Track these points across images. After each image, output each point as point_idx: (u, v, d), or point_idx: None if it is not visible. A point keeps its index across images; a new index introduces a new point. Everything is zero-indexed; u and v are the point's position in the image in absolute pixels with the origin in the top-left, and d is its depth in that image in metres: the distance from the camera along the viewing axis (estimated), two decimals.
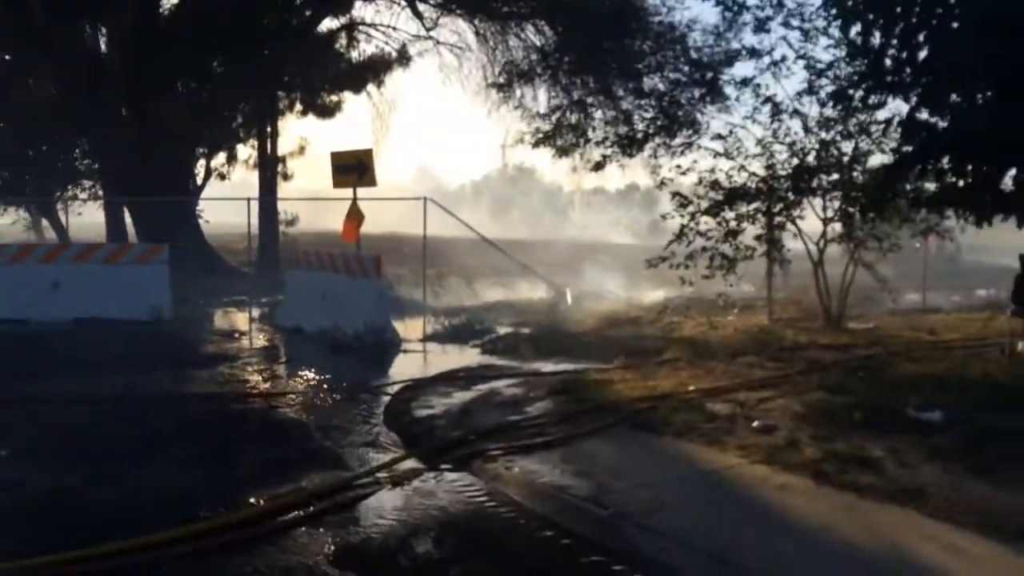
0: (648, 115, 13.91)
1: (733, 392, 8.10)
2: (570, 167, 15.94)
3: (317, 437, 7.09)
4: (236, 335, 12.72)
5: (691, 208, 12.37)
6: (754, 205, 12.29)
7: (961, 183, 8.81)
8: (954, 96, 7.81)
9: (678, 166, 12.90)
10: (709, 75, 13.33)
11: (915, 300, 17.09)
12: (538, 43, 18.36)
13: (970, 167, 8.32)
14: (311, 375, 9.75)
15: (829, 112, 12.08)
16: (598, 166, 13.53)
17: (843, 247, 12.84)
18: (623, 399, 7.92)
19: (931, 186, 9.72)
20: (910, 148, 8.34)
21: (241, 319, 14.89)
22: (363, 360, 10.86)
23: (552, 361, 10.30)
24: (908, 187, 8.90)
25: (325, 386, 9.12)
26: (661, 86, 13.87)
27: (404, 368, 10.33)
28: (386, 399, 8.50)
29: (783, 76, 12.46)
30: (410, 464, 6.24)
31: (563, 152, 14.66)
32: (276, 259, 24.07)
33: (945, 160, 8.54)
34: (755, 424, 6.79)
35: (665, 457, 6.25)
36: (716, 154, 12.74)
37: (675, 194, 12.62)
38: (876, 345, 10.64)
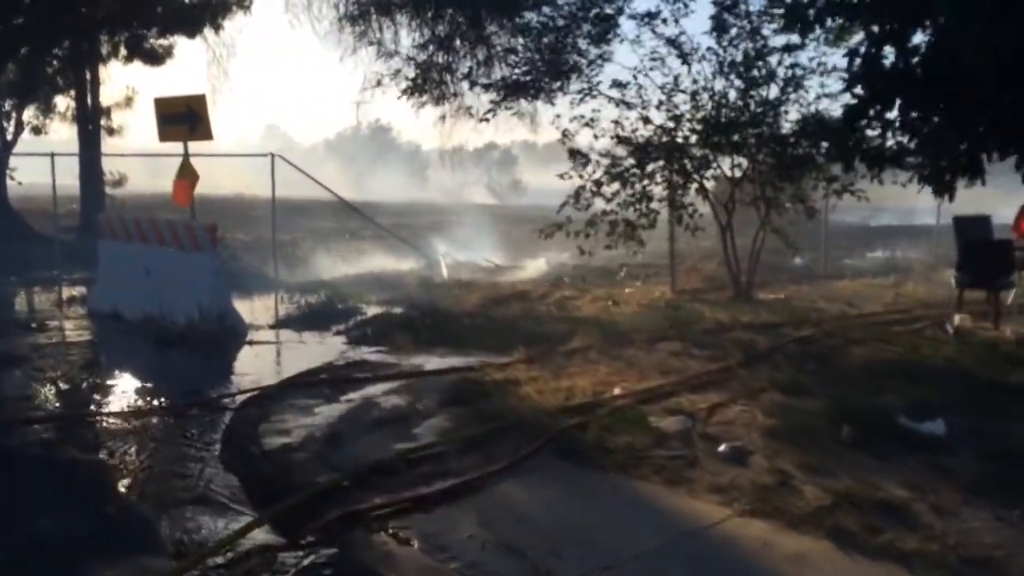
0: (528, 56, 12.03)
1: (672, 395, 6.52)
2: (438, 117, 13.95)
3: (122, 491, 5.01)
4: (34, 325, 10.15)
5: (591, 169, 10.76)
6: (659, 163, 10.79)
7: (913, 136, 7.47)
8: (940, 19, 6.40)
9: (580, 117, 11.16)
10: (596, 10, 11.55)
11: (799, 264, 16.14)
12: None
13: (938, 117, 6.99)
14: (126, 383, 7.55)
15: (737, 56, 10.70)
16: (490, 111, 11.60)
17: (752, 210, 11.51)
18: (538, 410, 6.19)
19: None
20: (865, 90, 6.92)
21: (45, 302, 12.20)
22: (197, 357, 8.67)
23: (436, 353, 8.45)
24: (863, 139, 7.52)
25: (143, 400, 6.95)
26: (539, 23, 11.96)
27: (251, 367, 8.22)
28: (226, 419, 6.45)
29: (682, 15, 10.94)
30: (258, 537, 4.28)
31: (431, 97, 12.65)
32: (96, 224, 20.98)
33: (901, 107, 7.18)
34: (721, 448, 5.21)
35: (617, 509, 4.55)
36: (618, 102, 11.09)
37: (572, 152, 10.95)
38: (804, 323, 9.38)
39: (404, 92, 12.46)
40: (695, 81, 10.85)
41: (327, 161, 69.52)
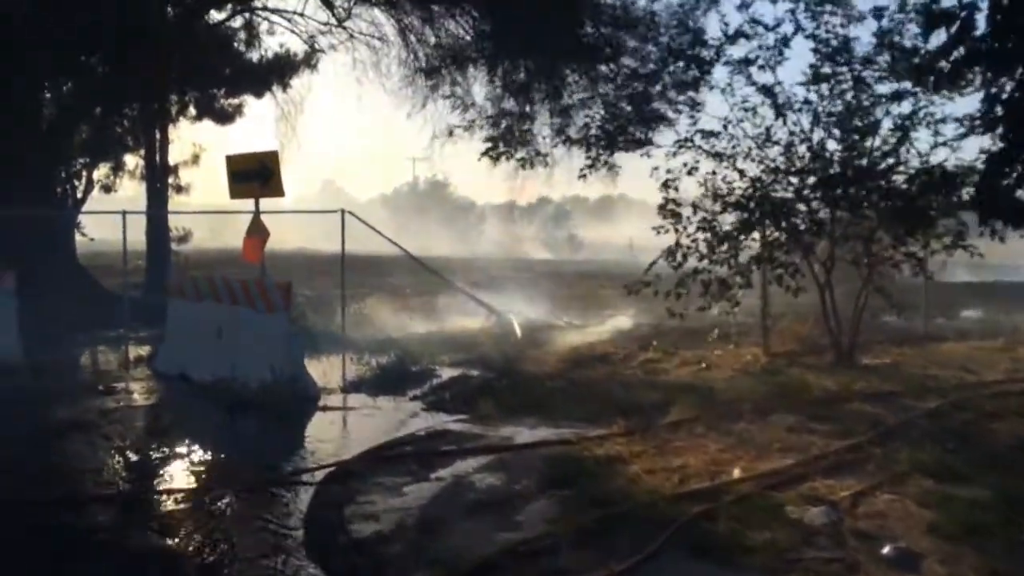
0: (611, 106, 11.56)
1: (803, 479, 5.78)
2: (513, 168, 13.52)
3: None
4: (101, 387, 9.77)
5: (684, 224, 10.22)
6: (764, 221, 10.18)
7: None
8: None
9: (684, 165, 10.65)
10: (690, 52, 10.99)
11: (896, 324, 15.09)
12: (469, 34, 15.90)
13: None
14: (197, 455, 7.05)
15: (838, 106, 10.09)
16: (590, 166, 11.10)
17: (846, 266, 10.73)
18: (653, 494, 5.54)
19: None
20: (1009, 136, 6.26)
21: (113, 362, 11.87)
22: (270, 424, 8.18)
23: (524, 423, 7.83)
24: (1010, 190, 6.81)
25: (215, 474, 6.44)
26: (626, 71, 11.51)
27: (327, 436, 7.68)
28: (305, 497, 5.88)
29: (776, 62, 10.38)
30: None
31: (510, 147, 12.24)
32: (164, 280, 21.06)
33: None
34: (886, 551, 4.47)
35: None
36: (710, 154, 10.51)
37: (669, 208, 10.39)
38: (924, 393, 8.56)
39: (486, 144, 12.08)
40: (791, 132, 10.26)
41: (384, 216, 70.03)
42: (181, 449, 7.17)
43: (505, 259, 42.16)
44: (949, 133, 9.47)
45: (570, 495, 5.63)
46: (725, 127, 10.41)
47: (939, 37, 6.49)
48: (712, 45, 10.37)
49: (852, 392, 8.59)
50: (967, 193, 8.94)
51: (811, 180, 10.16)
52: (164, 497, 5.92)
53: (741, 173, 10.44)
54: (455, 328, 14.44)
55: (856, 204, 9.90)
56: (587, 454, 6.59)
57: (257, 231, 11.13)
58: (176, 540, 5.11)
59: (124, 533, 5.25)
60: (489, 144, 11.92)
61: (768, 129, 10.50)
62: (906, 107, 9.69)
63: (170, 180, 25.39)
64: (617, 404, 8.30)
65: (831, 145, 10.14)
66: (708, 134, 10.44)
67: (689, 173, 10.49)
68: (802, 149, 10.22)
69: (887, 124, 9.89)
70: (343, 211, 13.54)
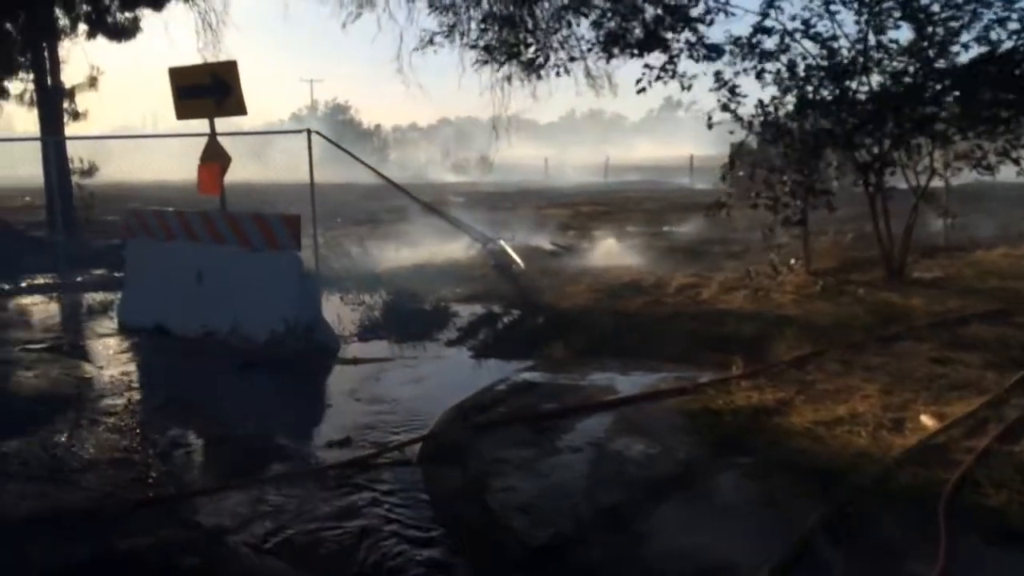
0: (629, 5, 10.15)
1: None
2: (499, 79, 12.14)
3: None
4: (65, 347, 8.03)
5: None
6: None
7: None
8: None
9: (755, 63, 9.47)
10: None
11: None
12: None
13: None
14: (234, 430, 5.57)
15: None
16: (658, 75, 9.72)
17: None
18: (863, 457, 4.50)
19: None
20: None
21: (55, 314, 10.00)
22: (299, 385, 6.81)
23: (610, 368, 6.67)
24: None
25: (277, 457, 5.04)
26: None
27: (379, 397, 6.30)
28: (406, 484, 4.59)
29: None
30: None
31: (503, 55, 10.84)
32: (71, 219, 18.90)
33: None
34: None
35: None
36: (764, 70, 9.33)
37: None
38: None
39: (477, 52, 10.64)
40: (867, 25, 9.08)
41: (282, 142, 65.97)
42: (211, 426, 5.69)
43: (423, 184, 40.36)
44: None
45: (754, 462, 4.54)
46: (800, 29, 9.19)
47: None
48: None
49: (953, 311, 7.76)
50: None
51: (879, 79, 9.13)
52: (224, 495, 4.51)
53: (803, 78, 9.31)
54: (439, 259, 12.99)
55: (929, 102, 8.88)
56: (722, 404, 5.50)
57: (214, 156, 9.45)
58: (282, 561, 3.79)
59: (188, 557, 3.88)
60: (483, 52, 10.51)
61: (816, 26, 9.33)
62: None
63: (65, 105, 22.72)
64: (700, 340, 7.25)
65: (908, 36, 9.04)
66: (762, 31, 9.20)
67: (758, 76, 9.30)
68: (869, 41, 9.09)
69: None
70: (309, 131, 11.81)
